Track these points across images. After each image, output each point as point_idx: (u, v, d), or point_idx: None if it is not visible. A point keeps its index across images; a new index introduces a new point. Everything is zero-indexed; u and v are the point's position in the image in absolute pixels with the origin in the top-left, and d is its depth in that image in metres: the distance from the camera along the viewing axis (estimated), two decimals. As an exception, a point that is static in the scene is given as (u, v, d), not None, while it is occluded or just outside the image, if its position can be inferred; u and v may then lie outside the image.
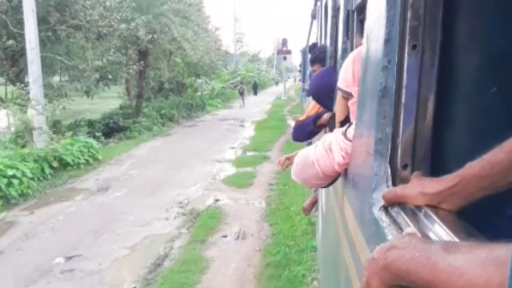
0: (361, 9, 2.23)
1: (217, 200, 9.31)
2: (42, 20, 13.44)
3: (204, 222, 7.91)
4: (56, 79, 19.64)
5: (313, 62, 4.19)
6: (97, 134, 15.46)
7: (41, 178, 10.48)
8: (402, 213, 0.92)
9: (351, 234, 1.49)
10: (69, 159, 11.56)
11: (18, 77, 14.68)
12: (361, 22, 2.31)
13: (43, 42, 13.85)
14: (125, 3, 16.24)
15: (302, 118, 3.85)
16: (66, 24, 14.27)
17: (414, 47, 1.01)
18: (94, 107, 24.25)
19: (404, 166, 1.06)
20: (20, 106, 12.00)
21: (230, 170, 12.27)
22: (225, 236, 7.33)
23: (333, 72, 3.01)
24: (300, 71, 24.89)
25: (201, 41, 21.82)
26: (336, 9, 3.52)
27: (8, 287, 5.78)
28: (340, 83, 1.96)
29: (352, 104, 1.86)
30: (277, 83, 68.85)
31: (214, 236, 7.33)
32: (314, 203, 5.37)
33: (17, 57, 14.77)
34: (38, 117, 11.80)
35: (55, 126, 13.64)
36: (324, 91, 2.97)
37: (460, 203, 0.86)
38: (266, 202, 9.13)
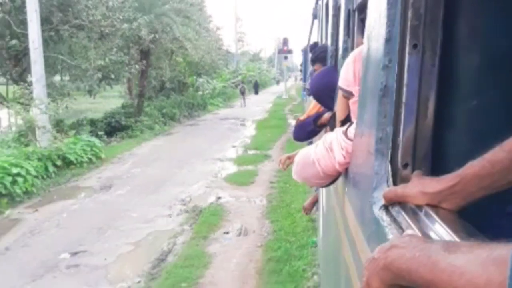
0: (362, 8, 2.21)
1: (219, 197, 9.44)
2: (45, 20, 13.55)
3: (206, 219, 8.04)
4: (57, 78, 19.78)
5: (314, 61, 4.19)
6: (100, 133, 15.59)
7: (45, 176, 10.62)
8: (403, 213, 0.92)
9: (351, 233, 1.49)
10: (72, 158, 11.70)
11: (21, 76, 14.78)
12: (362, 21, 2.31)
13: (46, 42, 13.97)
14: (128, 3, 16.38)
15: (302, 117, 3.85)
16: (69, 24, 14.39)
17: (414, 46, 1.01)
18: (95, 106, 24.40)
19: (405, 165, 1.06)
20: (24, 106, 12.12)
21: (232, 168, 12.40)
22: (227, 233, 7.47)
23: (334, 71, 3.00)
24: (301, 70, 24.94)
25: (203, 40, 21.95)
26: (337, 8, 3.49)
27: (15, 282, 5.90)
28: (341, 82, 1.96)
29: (353, 103, 1.85)
30: (278, 82, 68.93)
31: (216, 232, 7.46)
32: (315, 202, 5.40)
33: (20, 57, 14.90)
34: (41, 116, 11.93)
35: (58, 125, 13.76)
36: (324, 90, 2.96)
37: (460, 203, 0.87)
38: (267, 200, 9.26)
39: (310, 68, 7.15)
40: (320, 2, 7.24)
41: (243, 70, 50.64)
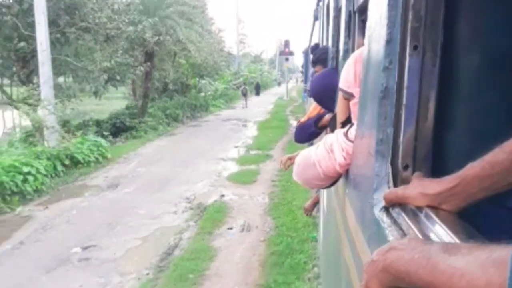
0: (363, 10, 2.21)
1: (223, 195, 9.75)
2: (52, 23, 13.80)
3: (210, 216, 8.36)
4: (60, 80, 20.10)
5: (314, 63, 4.20)
6: (105, 133, 15.92)
7: (53, 175, 10.94)
8: (403, 214, 0.92)
9: (352, 234, 1.49)
10: (80, 157, 12.03)
11: (28, 78, 15.12)
12: (363, 22, 2.31)
13: (53, 44, 14.24)
14: (133, 6, 16.73)
15: (303, 119, 3.86)
16: (75, 26, 14.64)
17: (415, 47, 1.02)
18: (99, 108, 24.65)
19: (405, 167, 1.07)
20: (32, 106, 12.44)
21: (234, 168, 12.71)
22: (231, 228, 7.78)
23: (334, 73, 2.97)
24: (302, 72, 25.17)
25: (205, 42, 22.25)
26: (338, 10, 3.48)
27: (31, 274, 6.21)
28: (342, 84, 1.97)
29: (354, 104, 1.85)
30: (279, 84, 69.17)
31: (220, 228, 7.77)
32: (316, 203, 5.51)
33: (28, 59, 15.16)
34: (50, 116, 12.25)
35: (65, 126, 14.08)
36: (325, 92, 2.96)
37: (460, 204, 0.87)
38: (269, 198, 9.58)
39: (311, 69, 7.17)
40: (321, 4, 7.28)
41: (245, 71, 50.92)
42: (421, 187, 0.92)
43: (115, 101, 26.16)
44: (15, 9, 13.83)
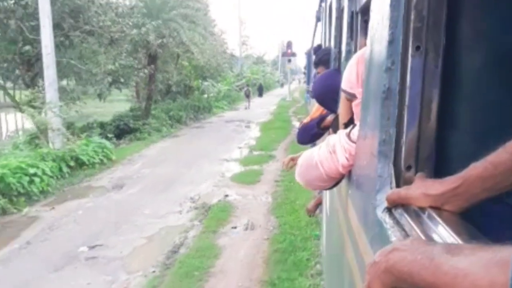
0: (365, 11, 2.22)
1: (227, 195, 9.87)
2: (56, 26, 13.95)
3: (215, 215, 8.47)
4: (63, 83, 20.30)
5: (317, 64, 4.21)
6: (109, 135, 16.06)
7: (59, 176, 11.08)
8: (406, 215, 0.92)
9: (355, 235, 1.49)
10: (85, 159, 12.17)
11: (33, 81, 15.29)
12: (366, 23, 2.30)
13: (57, 47, 14.38)
14: (136, 9, 16.93)
15: (306, 120, 3.89)
16: (79, 30, 14.84)
17: (417, 48, 1.02)
18: (101, 110, 24.84)
19: (408, 168, 1.07)
20: (38, 109, 12.59)
21: (238, 168, 12.83)
22: (235, 227, 7.89)
23: (337, 74, 2.96)
24: (304, 73, 25.27)
25: (209, 44, 22.41)
26: (340, 11, 3.50)
27: (39, 272, 6.33)
28: (344, 85, 1.96)
29: (356, 105, 1.85)
30: (282, 85, 69.29)
31: (225, 227, 7.89)
32: (318, 204, 5.54)
33: (33, 62, 15.35)
34: (55, 119, 12.40)
35: (69, 128, 14.24)
36: (327, 93, 2.95)
37: (463, 205, 0.87)
38: (272, 197, 9.69)
39: (313, 71, 7.02)
40: (323, 5, 7.30)
41: (247, 73, 51.06)
42: (423, 188, 0.92)
43: (117, 104, 26.38)
44: (20, 12, 14.00)
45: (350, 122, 2.01)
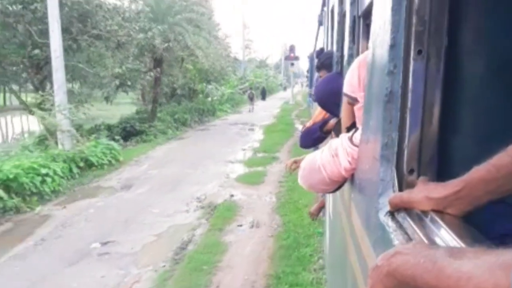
0: (367, 15, 2.22)
1: (232, 195, 10.19)
2: (65, 31, 14.25)
3: (221, 214, 8.79)
4: (68, 86, 20.65)
5: (319, 68, 4.21)
6: (116, 137, 16.39)
7: (69, 177, 11.41)
8: (408, 218, 0.92)
9: (357, 239, 1.49)
10: (94, 160, 12.51)
11: (42, 84, 15.66)
12: (367, 27, 2.30)
13: (66, 51, 14.69)
14: (143, 14, 17.32)
15: (308, 124, 3.89)
16: (87, 34, 15.19)
17: (419, 52, 1.02)
18: (106, 113, 25.11)
19: (410, 171, 1.06)
20: (48, 111, 12.92)
21: (242, 169, 13.16)
22: (241, 225, 8.21)
23: (339, 77, 2.92)
24: (307, 76, 25.48)
25: (213, 48, 22.73)
26: (342, 15, 3.49)
27: (54, 266, 6.65)
28: (346, 89, 1.95)
29: (358, 109, 1.85)
30: (285, 88, 69.68)
31: (231, 225, 8.20)
32: (321, 207, 5.56)
33: (42, 65, 15.69)
34: (65, 121, 12.74)
35: (78, 130, 14.57)
36: (330, 96, 2.92)
37: (466, 208, 0.86)
38: (276, 197, 10.01)
39: (316, 74, 7.27)
40: (325, 9, 7.35)
41: (251, 76, 51.36)
42: (426, 191, 0.92)
43: (122, 106, 26.69)
44: (29, 17, 14.33)
45: (352, 126, 1.97)
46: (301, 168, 2.13)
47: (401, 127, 1.05)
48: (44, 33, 13.93)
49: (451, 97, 1.09)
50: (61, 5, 13.45)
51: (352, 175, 1.81)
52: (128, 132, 18.45)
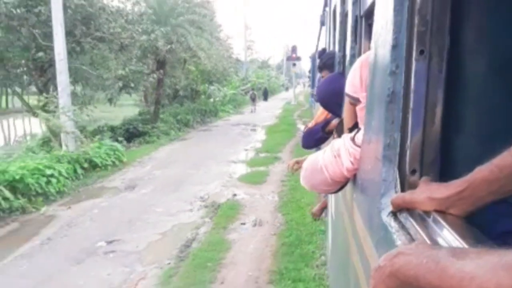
0: (369, 15, 2.22)
1: (235, 195, 10.31)
2: (68, 33, 14.36)
3: (224, 213, 8.92)
4: (71, 88, 20.78)
5: (321, 68, 4.22)
6: (120, 138, 16.51)
7: (74, 177, 11.53)
8: (411, 219, 0.92)
9: (360, 239, 1.49)
10: (98, 161, 12.65)
11: (45, 86, 15.81)
12: (370, 27, 2.33)
13: (69, 54, 14.78)
14: (145, 16, 17.45)
15: (311, 125, 3.89)
16: (90, 36, 15.32)
17: (421, 52, 1.02)
18: (108, 115, 25.24)
19: (413, 172, 1.06)
20: (52, 113, 13.06)
21: (245, 169, 13.29)
22: (244, 224, 8.32)
23: (341, 77, 2.92)
24: (309, 76, 25.56)
25: (215, 49, 22.87)
26: (344, 15, 3.49)
27: (61, 264, 6.77)
28: (348, 89, 1.95)
29: (360, 109, 1.85)
30: (287, 89, 69.75)
31: (234, 223, 8.32)
32: (324, 208, 5.59)
33: (46, 68, 15.81)
34: (69, 122, 12.88)
35: (81, 132, 14.70)
36: (332, 97, 2.93)
37: (468, 208, 0.86)
38: (279, 196, 10.13)
39: (318, 74, 7.17)
40: (327, 9, 7.34)
41: (253, 77, 51.55)
42: (428, 192, 0.92)
43: (124, 108, 26.82)
44: (33, 20, 14.46)
45: (354, 127, 1.99)
46: (303, 168, 2.13)
47: (403, 127, 1.06)
48: (48, 35, 14.04)
49: (453, 97, 1.09)
50: (65, 8, 13.58)
51: (354, 176, 1.81)
52: (131, 134, 18.60)
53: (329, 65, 3.97)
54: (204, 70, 25.54)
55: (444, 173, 1.04)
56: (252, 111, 33.46)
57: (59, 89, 13.29)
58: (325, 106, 3.20)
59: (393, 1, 1.06)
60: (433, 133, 1.05)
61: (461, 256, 0.58)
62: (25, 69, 16.43)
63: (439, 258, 0.60)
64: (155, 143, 18.12)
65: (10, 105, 46.54)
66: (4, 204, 8.84)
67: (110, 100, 17.47)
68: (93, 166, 12.57)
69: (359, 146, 1.69)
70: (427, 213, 0.90)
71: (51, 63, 14.37)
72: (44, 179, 10.13)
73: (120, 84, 16.36)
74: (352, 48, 2.88)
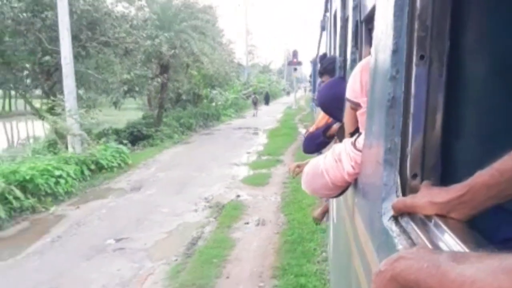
0: (370, 20, 2.21)
1: (238, 196, 10.60)
2: (74, 38, 14.65)
3: (228, 213, 9.21)
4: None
5: (322, 73, 4.19)
6: (124, 141, 16.81)
7: (81, 179, 11.83)
8: (412, 223, 0.92)
9: (361, 243, 1.49)
10: (104, 163, 12.95)
11: (52, 90, 16.11)
12: (370, 32, 2.33)
13: (75, 58, 15.06)
14: (150, 22, 17.78)
15: (311, 129, 3.91)
16: (96, 41, 15.64)
17: (421, 57, 1.02)
18: (112, 118, 25.49)
19: (414, 176, 1.06)
20: (59, 116, 13.36)
21: (247, 171, 13.58)
22: (247, 223, 8.61)
23: (342, 82, 2.88)
24: (310, 81, 25.81)
25: (217, 54, 23.19)
26: (345, 20, 3.46)
27: (72, 261, 7.05)
28: (348, 94, 1.94)
29: (361, 114, 1.83)
30: (288, 93, 69.94)
31: (238, 223, 8.60)
32: (325, 212, 5.56)
33: (52, 72, 16.13)
34: (75, 125, 13.19)
35: (87, 134, 15.00)
36: (332, 101, 2.91)
37: (469, 212, 0.86)
38: (281, 197, 10.42)
39: (318, 79, 6.97)
40: (328, 14, 7.32)
41: (254, 81, 51.81)
42: (429, 196, 0.92)
43: (128, 112, 27.15)
44: (38, 25, 14.74)
45: (355, 132, 1.97)
46: (304, 173, 2.11)
47: (404, 132, 1.05)
48: (54, 40, 14.35)
49: (454, 101, 1.08)
50: (71, 13, 13.87)
51: (356, 180, 1.80)
52: (135, 137, 18.91)
53: (330, 70, 3.97)
54: (206, 74, 25.86)
55: (446, 177, 1.04)
56: (254, 115, 33.75)
57: (65, 92, 13.56)
58: (326, 110, 3.18)
59: (393, 7, 1.06)
60: (434, 138, 1.05)
61: (461, 261, 0.58)
62: (31, 72, 16.70)
63: (440, 263, 0.60)
64: (159, 146, 18.43)
65: (13, 108, 46.94)
66: (15, 204, 9.12)
67: (115, 104, 17.81)
68: (100, 168, 12.87)
69: (360, 151, 1.69)
70: (428, 217, 0.90)
71: (57, 67, 14.68)
72: (53, 179, 10.42)
73: (125, 88, 16.67)
74: (353, 53, 2.86)
